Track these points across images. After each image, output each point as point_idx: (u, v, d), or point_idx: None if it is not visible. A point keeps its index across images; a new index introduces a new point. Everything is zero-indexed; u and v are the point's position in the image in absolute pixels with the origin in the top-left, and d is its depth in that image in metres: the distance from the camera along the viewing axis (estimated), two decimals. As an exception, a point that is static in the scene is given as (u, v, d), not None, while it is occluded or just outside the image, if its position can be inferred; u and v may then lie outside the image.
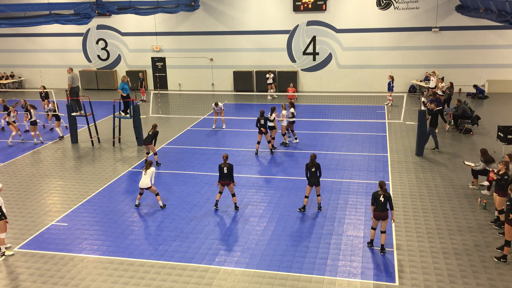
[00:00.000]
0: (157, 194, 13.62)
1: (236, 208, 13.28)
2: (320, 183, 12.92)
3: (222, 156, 13.22)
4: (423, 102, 20.41)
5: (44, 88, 24.20)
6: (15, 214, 13.44)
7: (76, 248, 11.49)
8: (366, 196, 13.82)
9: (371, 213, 10.98)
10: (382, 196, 10.61)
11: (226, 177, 12.89)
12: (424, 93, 24.30)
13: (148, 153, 17.15)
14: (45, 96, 23.52)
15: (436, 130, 18.53)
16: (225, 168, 12.84)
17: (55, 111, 20.68)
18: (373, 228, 11.04)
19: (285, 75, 29.38)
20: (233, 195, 13.25)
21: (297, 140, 19.34)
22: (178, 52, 31.16)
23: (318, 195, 13.13)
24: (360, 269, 10.27)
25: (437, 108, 19.23)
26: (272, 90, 27.97)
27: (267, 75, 27.96)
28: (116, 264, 10.77)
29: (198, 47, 30.75)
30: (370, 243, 11.16)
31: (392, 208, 10.70)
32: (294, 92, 23.97)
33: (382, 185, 10.72)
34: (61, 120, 21.37)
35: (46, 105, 21.81)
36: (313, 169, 12.68)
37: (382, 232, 10.84)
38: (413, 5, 27.40)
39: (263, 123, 17.56)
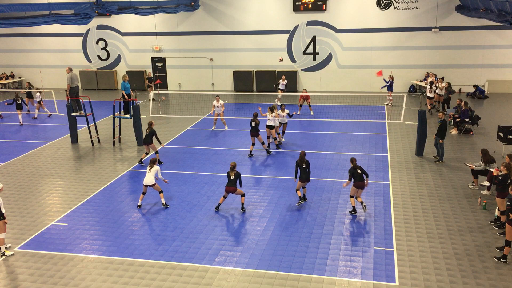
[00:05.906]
0: (160, 192, 13.62)
1: (243, 209, 13.19)
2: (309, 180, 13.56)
3: (230, 164, 13.11)
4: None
5: (30, 84, 28.72)
6: (15, 214, 13.44)
7: (76, 248, 11.50)
8: (366, 196, 13.81)
9: (349, 186, 12.87)
10: (358, 169, 12.41)
11: (233, 184, 12.87)
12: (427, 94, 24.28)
13: (147, 153, 17.14)
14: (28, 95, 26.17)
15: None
16: (232, 174, 12.86)
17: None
18: (352, 196, 12.74)
19: (285, 75, 29.25)
20: (243, 195, 13.20)
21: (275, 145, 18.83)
22: (178, 52, 31.17)
23: (304, 187, 13.72)
24: (360, 269, 10.28)
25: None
26: (279, 96, 27.10)
27: (280, 81, 26.21)
28: (116, 264, 10.77)
29: (198, 47, 30.75)
30: (353, 210, 12.72)
31: (367, 176, 12.64)
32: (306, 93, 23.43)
33: (353, 160, 12.65)
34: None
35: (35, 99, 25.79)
36: (304, 166, 13.12)
37: (358, 197, 12.58)
38: (413, 5, 27.41)
39: (253, 125, 17.48)
